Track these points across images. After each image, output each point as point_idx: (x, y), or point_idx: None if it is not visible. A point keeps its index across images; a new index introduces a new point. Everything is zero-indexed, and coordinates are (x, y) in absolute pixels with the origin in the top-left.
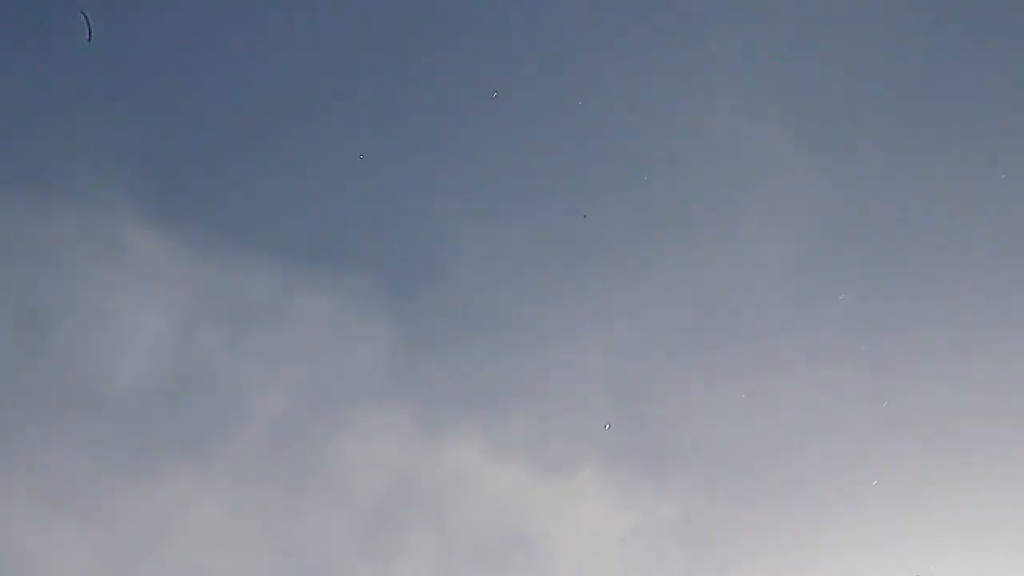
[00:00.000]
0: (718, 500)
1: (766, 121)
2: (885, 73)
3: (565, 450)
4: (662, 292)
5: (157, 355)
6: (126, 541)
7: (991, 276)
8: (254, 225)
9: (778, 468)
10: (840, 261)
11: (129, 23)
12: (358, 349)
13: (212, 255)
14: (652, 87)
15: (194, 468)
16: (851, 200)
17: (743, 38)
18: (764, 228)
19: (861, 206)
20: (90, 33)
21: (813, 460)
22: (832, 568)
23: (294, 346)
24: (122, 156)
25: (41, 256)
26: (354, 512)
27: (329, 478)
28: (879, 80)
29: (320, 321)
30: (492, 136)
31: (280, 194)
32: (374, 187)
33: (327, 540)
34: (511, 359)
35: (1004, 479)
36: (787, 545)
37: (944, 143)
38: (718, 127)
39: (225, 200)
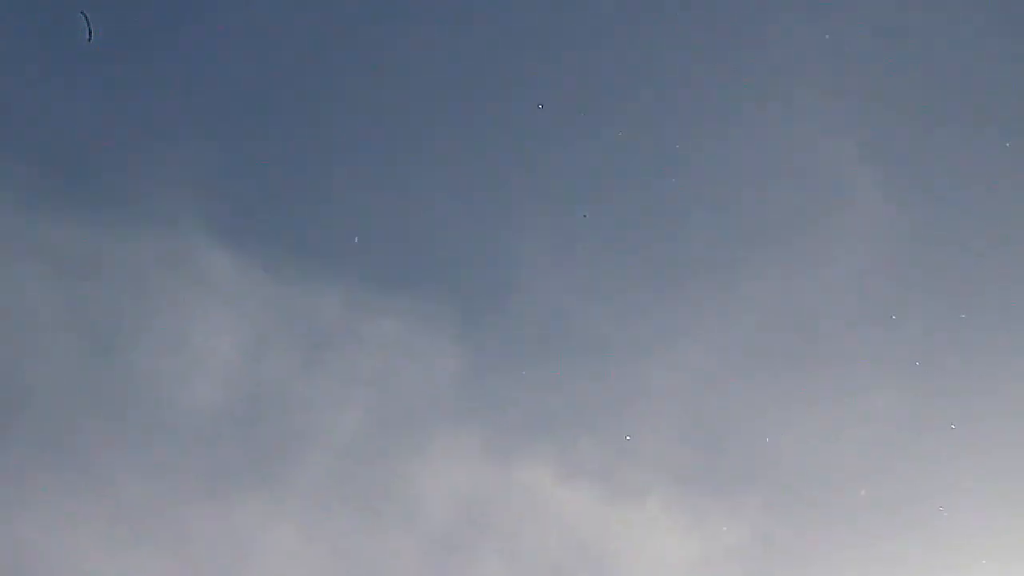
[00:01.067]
0: (789, 524)
1: (841, 144)
2: (959, 95)
3: (635, 474)
4: (733, 314)
5: (230, 378)
6: (200, 564)
7: None
8: (326, 248)
9: (849, 492)
10: (913, 284)
11: (211, 51)
12: (429, 372)
13: (285, 278)
14: (730, 110)
15: (266, 491)
16: (925, 223)
17: (822, 63)
18: (837, 251)
19: (935, 229)
20: (90, 33)
21: (885, 483)
22: None
23: (365, 369)
24: (198, 179)
25: (118, 278)
26: (424, 535)
27: (400, 501)
28: (953, 102)
29: (391, 344)
30: (565, 157)
31: (352, 217)
32: (446, 209)
33: (398, 563)
34: (581, 382)
35: None
36: (859, 570)
37: (1018, 166)
38: (794, 151)
39: (298, 223)
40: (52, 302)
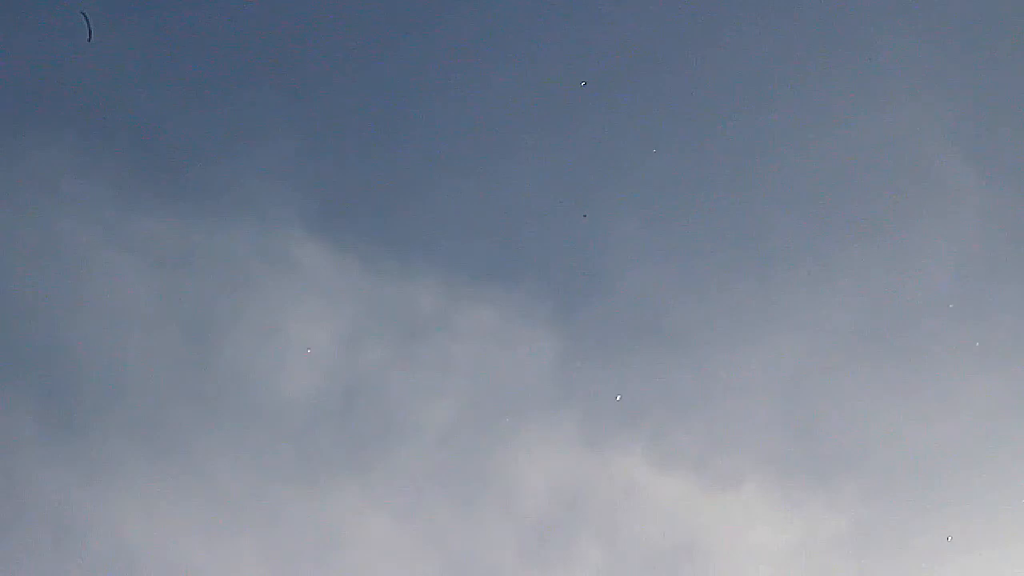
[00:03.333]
0: (887, 511)
1: (940, 137)
2: None
3: (731, 461)
4: (831, 303)
5: (326, 368)
6: (296, 553)
7: None
8: (420, 239)
9: (948, 477)
10: (1011, 274)
11: (306, 44)
12: (524, 361)
13: (380, 268)
14: (829, 103)
15: (361, 479)
16: (1020, 209)
17: (920, 57)
18: (936, 242)
19: None
20: (90, 34)
21: (985, 468)
22: None
23: (461, 358)
24: (293, 171)
25: (213, 269)
26: (520, 523)
27: (495, 490)
28: None
29: (487, 333)
30: (660, 146)
31: (445, 207)
32: (540, 198)
33: (493, 551)
34: (676, 370)
35: None
36: (958, 560)
37: None
38: (889, 139)
39: (392, 214)
40: (148, 294)
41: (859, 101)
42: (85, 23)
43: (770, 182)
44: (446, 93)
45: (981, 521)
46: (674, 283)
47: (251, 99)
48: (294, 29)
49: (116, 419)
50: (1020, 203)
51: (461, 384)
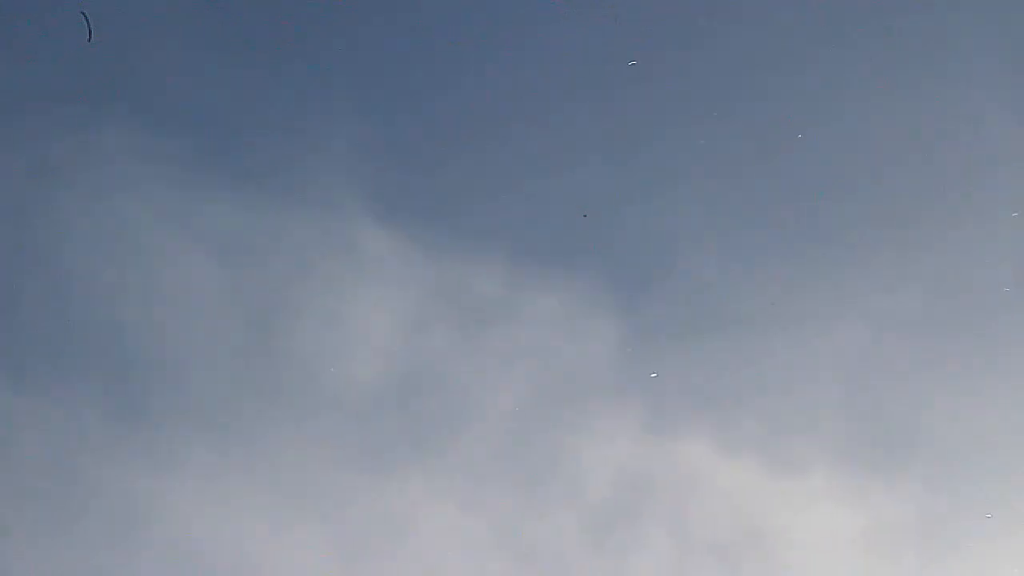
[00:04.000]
0: (956, 499)
1: (1007, 115)
2: None
3: (797, 448)
4: (896, 286)
5: (390, 356)
6: (359, 541)
7: None
8: (483, 224)
9: (1016, 464)
10: None
11: (370, 30)
12: (588, 347)
13: (442, 254)
14: (889, 82)
15: (426, 467)
16: None
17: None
18: (1000, 220)
19: None
20: (90, 33)
21: None
22: None
23: (525, 345)
24: (357, 159)
25: (276, 258)
26: (585, 511)
27: (560, 477)
28: None
29: (550, 320)
30: (723, 129)
31: (508, 192)
32: (603, 182)
33: (559, 539)
34: (742, 355)
35: None
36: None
37: None
38: (953, 121)
39: (455, 199)
40: (213, 282)
41: (925, 81)
42: (85, 23)
43: (837, 171)
44: (508, 77)
45: None
46: (739, 268)
47: (315, 84)
48: (358, 12)
49: (181, 408)
50: None
51: (525, 371)
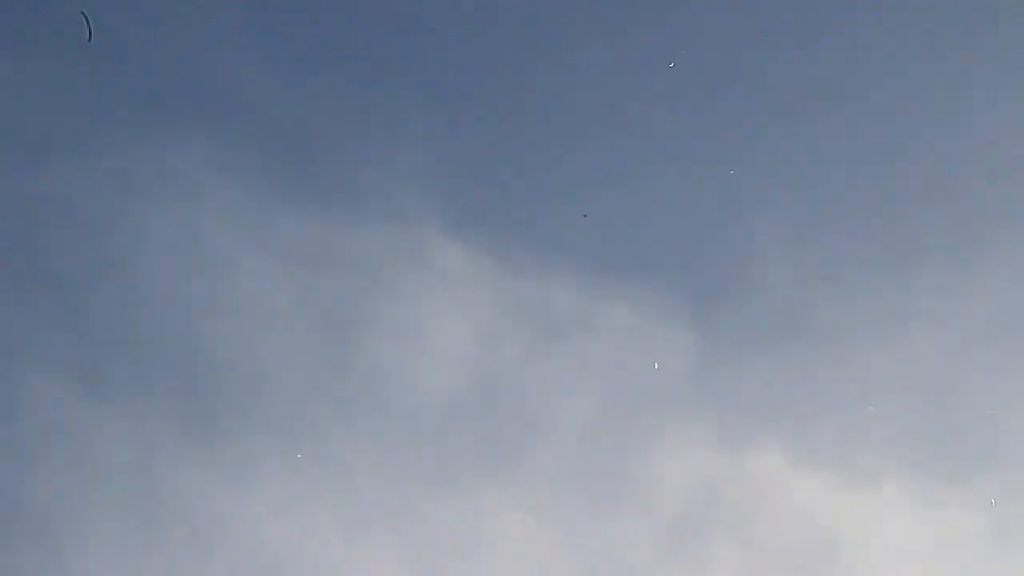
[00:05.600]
0: None
1: None
2: None
3: (870, 460)
4: (969, 298)
5: (463, 367)
6: (434, 550)
7: None
8: (558, 238)
9: None
10: None
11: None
12: (662, 359)
13: (517, 268)
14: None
15: (500, 479)
16: None
17: None
18: None
19: None
20: (90, 34)
21: None
22: None
23: (598, 357)
24: (430, 171)
25: (350, 269)
26: (658, 522)
27: (634, 488)
28: None
29: (624, 332)
30: (797, 144)
31: (584, 207)
32: (677, 195)
33: (631, 550)
34: (815, 368)
35: None
36: None
37: None
38: None
39: (528, 212)
40: (287, 295)
41: (1003, 93)
42: (85, 23)
43: (912, 179)
44: (582, 91)
45: None
46: (813, 281)
47: (387, 100)
48: (431, 30)
49: (255, 419)
50: None
51: (598, 383)
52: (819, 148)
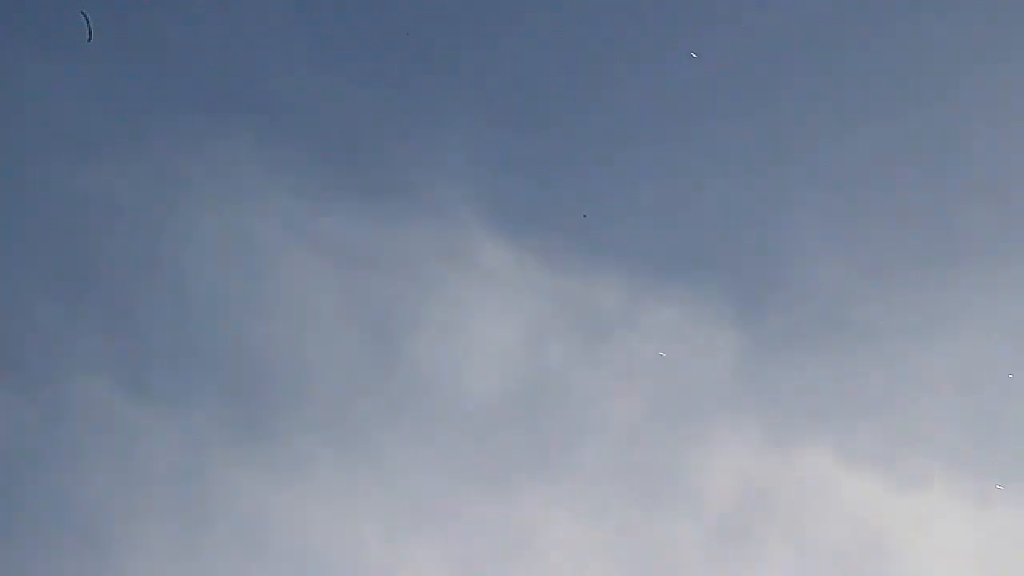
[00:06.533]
0: None
1: None
2: None
3: (919, 460)
4: (1014, 298)
5: (510, 368)
6: (479, 550)
7: None
8: (605, 238)
9: None
10: None
11: (488, 43)
12: (708, 360)
13: (564, 268)
14: (1008, 91)
15: (546, 478)
16: None
17: None
18: None
19: None
20: (90, 34)
21: None
22: None
23: (645, 358)
24: (476, 171)
25: (397, 269)
26: (706, 522)
27: (681, 488)
28: None
29: (670, 332)
30: (843, 144)
31: (628, 205)
32: (724, 197)
33: (679, 550)
34: (863, 368)
35: None
36: None
37: None
38: None
39: (574, 212)
40: (333, 294)
41: None
42: (85, 23)
43: (960, 177)
44: (627, 88)
45: None
46: (860, 280)
47: (435, 97)
48: (476, 28)
49: (303, 419)
50: None
51: (645, 383)
52: (866, 147)
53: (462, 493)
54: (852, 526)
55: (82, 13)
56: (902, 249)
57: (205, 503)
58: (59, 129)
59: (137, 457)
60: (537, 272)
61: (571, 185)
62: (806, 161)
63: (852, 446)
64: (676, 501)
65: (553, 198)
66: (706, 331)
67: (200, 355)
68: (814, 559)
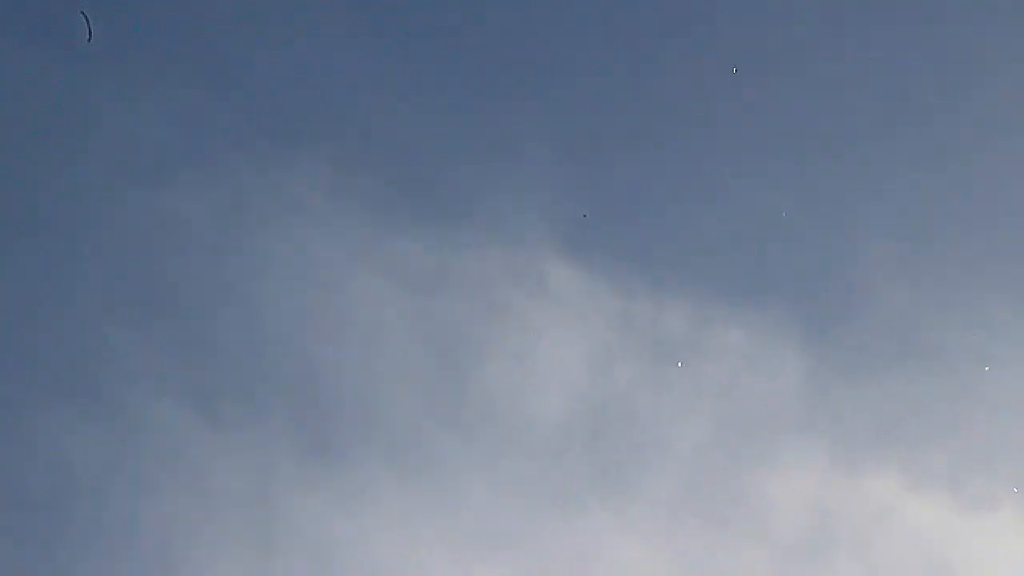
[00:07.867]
0: None
1: None
2: None
3: (988, 483)
4: None
5: (577, 390)
6: (546, 573)
7: None
8: (671, 260)
9: None
10: None
11: (556, 64)
12: (775, 382)
13: (630, 290)
14: None
15: (613, 503)
16: None
17: None
18: None
19: None
20: (90, 34)
21: None
22: None
23: (712, 380)
24: (544, 192)
25: (464, 291)
26: (773, 546)
27: (748, 512)
28: None
29: (737, 354)
30: (913, 161)
31: (695, 227)
32: (792, 218)
33: (746, 573)
34: (930, 390)
35: None
36: None
37: None
38: None
39: (642, 233)
40: (402, 318)
41: None
42: (85, 23)
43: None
44: (694, 111)
45: None
46: (928, 301)
47: (504, 124)
48: (548, 47)
49: (371, 444)
50: None
51: (711, 406)
52: (937, 168)
53: (528, 518)
54: (920, 550)
55: (82, 13)
56: (972, 271)
57: (273, 529)
58: (134, 154)
59: (208, 483)
60: (605, 295)
61: (639, 210)
62: (877, 184)
63: (920, 469)
64: (742, 524)
65: (621, 220)
66: (774, 354)
67: (271, 381)
68: None
